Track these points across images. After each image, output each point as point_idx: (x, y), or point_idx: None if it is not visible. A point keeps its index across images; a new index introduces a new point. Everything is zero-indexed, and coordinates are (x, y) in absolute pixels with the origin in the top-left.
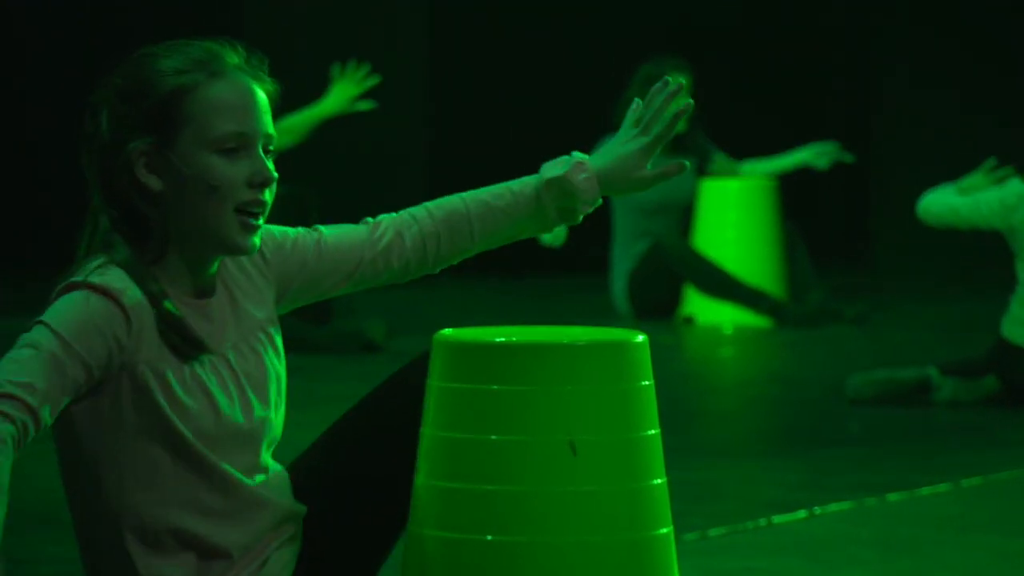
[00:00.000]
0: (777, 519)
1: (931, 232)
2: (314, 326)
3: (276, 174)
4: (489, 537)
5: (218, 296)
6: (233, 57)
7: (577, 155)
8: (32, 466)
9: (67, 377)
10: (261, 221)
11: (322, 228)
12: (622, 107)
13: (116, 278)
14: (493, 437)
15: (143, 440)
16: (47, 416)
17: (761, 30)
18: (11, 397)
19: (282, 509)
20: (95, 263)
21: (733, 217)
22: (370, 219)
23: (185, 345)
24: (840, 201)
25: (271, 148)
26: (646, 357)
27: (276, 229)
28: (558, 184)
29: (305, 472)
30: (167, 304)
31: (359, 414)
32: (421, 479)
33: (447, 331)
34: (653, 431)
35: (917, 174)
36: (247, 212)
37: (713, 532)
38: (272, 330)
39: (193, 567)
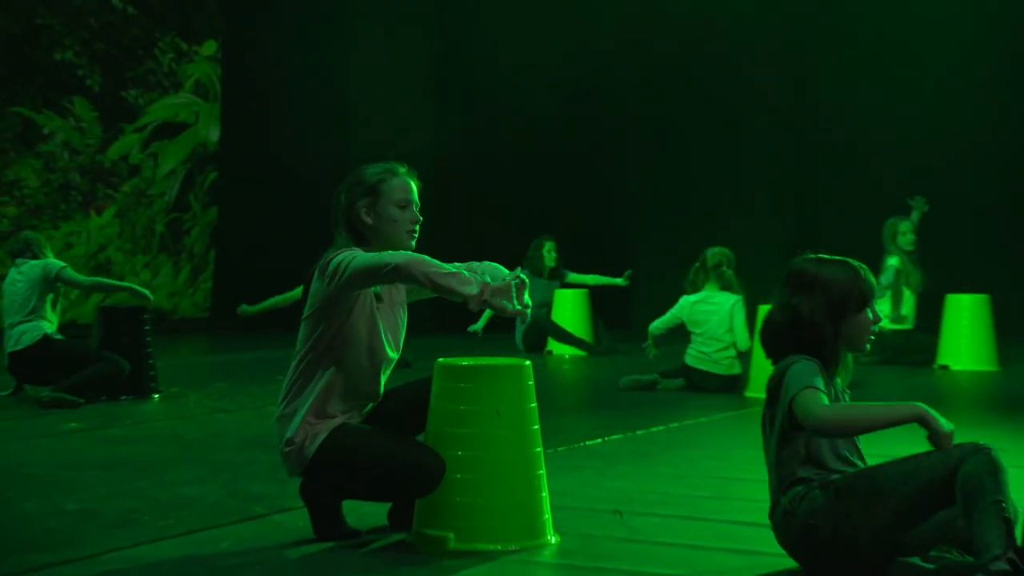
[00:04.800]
0: (588, 443)
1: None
2: None
3: (421, 217)
4: (460, 453)
5: None
6: (402, 169)
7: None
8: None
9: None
10: (416, 233)
11: None
12: (530, 258)
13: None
14: (462, 407)
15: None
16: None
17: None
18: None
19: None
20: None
21: (570, 305)
22: None
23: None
24: (617, 299)
25: (417, 206)
26: (530, 372)
27: None
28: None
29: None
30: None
31: (408, 387)
32: (430, 426)
33: (442, 359)
34: (534, 405)
35: (657, 285)
36: (410, 231)
37: (560, 449)
38: (403, 309)
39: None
